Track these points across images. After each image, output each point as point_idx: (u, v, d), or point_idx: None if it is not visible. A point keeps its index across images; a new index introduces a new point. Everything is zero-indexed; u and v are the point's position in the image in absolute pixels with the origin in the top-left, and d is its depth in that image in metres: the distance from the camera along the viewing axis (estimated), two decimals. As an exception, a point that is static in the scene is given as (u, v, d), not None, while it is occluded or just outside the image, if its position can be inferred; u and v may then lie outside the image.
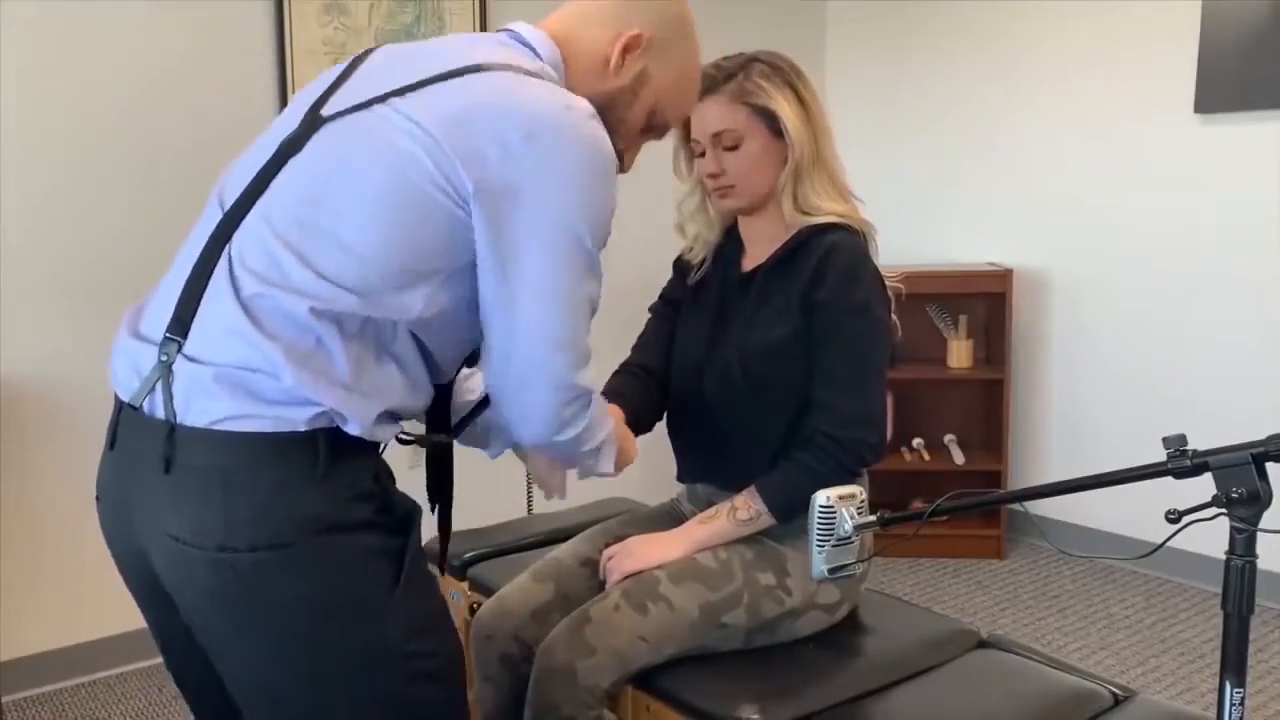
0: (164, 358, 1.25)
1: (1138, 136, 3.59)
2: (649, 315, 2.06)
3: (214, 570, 1.21)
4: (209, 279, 1.26)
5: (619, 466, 1.63)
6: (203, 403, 1.22)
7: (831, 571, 1.46)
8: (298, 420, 1.20)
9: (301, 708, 1.29)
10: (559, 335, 1.31)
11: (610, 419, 1.55)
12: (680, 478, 1.99)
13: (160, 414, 1.24)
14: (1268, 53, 3.22)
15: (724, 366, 1.83)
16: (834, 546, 1.45)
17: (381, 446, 1.34)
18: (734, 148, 1.78)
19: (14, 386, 2.80)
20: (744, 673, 1.73)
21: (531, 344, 1.31)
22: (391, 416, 1.31)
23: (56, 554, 2.88)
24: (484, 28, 3.48)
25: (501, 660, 1.82)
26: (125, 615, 2.98)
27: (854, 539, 1.46)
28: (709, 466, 1.92)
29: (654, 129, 1.52)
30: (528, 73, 1.32)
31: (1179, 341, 3.55)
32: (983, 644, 1.88)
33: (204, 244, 1.29)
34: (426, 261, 1.27)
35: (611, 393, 1.92)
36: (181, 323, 1.26)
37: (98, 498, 1.37)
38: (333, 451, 1.23)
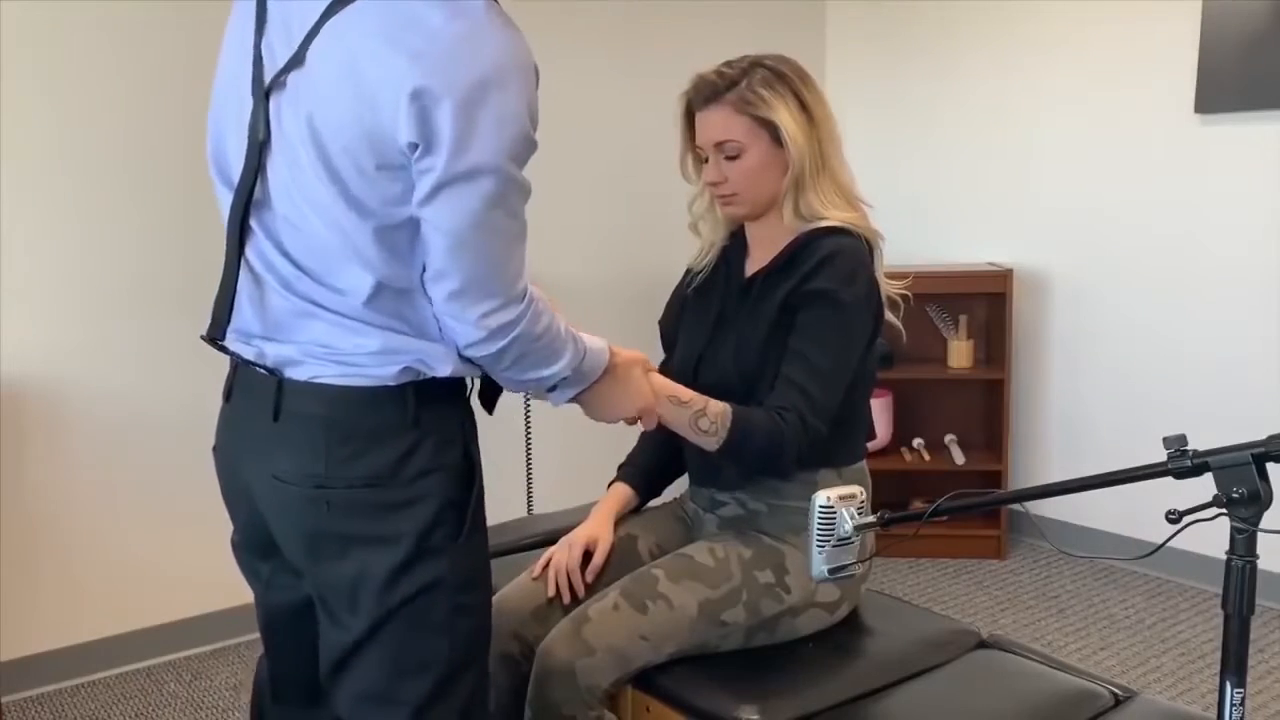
0: (253, 344, 1.39)
1: (1138, 136, 3.59)
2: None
3: (310, 505, 1.35)
4: (248, 277, 1.38)
5: (643, 414, 1.63)
6: (300, 366, 1.35)
7: (831, 572, 1.46)
8: (387, 376, 1.33)
9: (362, 632, 1.38)
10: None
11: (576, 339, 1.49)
12: (691, 479, 1.99)
13: (270, 367, 1.38)
14: (1268, 53, 3.22)
15: (720, 369, 1.82)
16: (834, 546, 1.45)
17: (469, 390, 1.44)
18: (735, 157, 1.78)
19: (14, 386, 2.80)
20: (744, 673, 1.73)
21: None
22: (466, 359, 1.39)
23: (56, 554, 2.88)
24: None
25: (502, 659, 1.82)
26: (125, 615, 3.00)
27: (854, 539, 1.46)
28: (707, 470, 1.92)
29: None
30: None
31: (1179, 341, 3.55)
32: (983, 644, 1.88)
33: (233, 245, 1.39)
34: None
35: (625, 465, 2.01)
36: (237, 319, 1.40)
37: (214, 448, 1.50)
38: (420, 400, 1.35)
